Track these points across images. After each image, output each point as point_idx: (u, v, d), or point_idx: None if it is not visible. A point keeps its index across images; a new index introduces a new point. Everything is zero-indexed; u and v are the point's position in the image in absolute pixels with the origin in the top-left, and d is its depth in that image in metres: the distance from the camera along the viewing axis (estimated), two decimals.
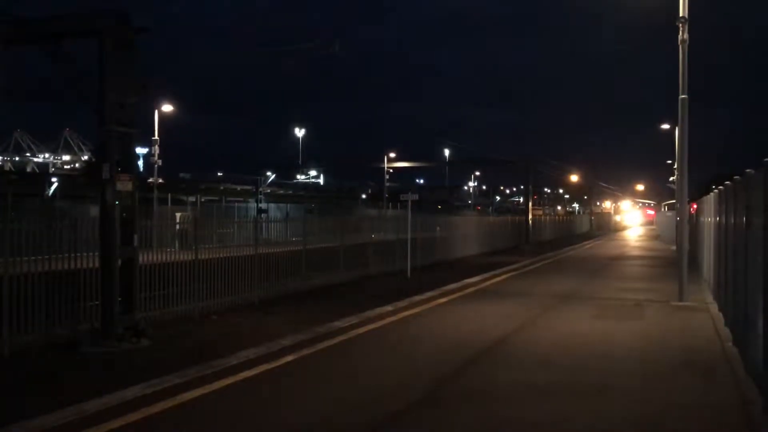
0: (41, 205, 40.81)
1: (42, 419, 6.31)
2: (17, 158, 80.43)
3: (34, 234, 9.74)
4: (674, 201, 32.78)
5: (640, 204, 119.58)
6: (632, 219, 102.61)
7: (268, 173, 66.13)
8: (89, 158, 66.04)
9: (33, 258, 9.69)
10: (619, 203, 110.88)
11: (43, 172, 70.72)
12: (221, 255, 13.80)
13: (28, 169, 75.68)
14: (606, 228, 78.06)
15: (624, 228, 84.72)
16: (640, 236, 58.98)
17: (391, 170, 71.78)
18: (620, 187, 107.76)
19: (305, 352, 9.49)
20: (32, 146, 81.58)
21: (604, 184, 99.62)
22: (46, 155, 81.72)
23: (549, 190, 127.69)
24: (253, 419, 6.64)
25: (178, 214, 21.43)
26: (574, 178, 75.91)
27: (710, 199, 15.86)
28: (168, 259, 12.20)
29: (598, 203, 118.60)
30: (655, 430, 6.38)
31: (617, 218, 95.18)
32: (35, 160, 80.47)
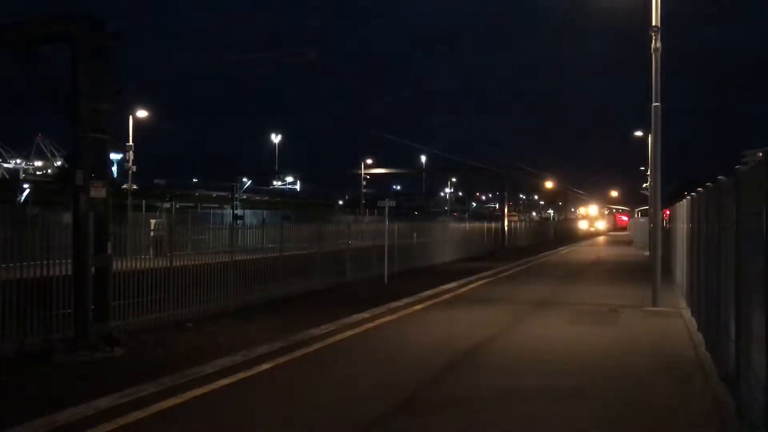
0: (12, 211, 40.11)
1: (12, 430, 6.20)
2: None
3: (4, 241, 9.58)
4: (647, 207, 33.20)
5: (614, 210, 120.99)
6: (606, 225, 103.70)
7: (244, 179, 65.69)
8: (62, 164, 65.36)
9: (3, 265, 9.53)
10: (592, 209, 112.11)
11: (14, 179, 69.46)
12: (196, 262, 13.69)
13: None
14: (580, 234, 78.76)
15: (598, 234, 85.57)
16: (614, 242, 59.61)
17: (368, 177, 71.82)
18: (594, 194, 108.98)
19: (282, 359, 9.43)
20: (2, 152, 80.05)
21: (578, 191, 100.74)
22: (18, 161, 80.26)
23: (524, 197, 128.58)
24: (228, 428, 6.58)
25: (152, 221, 21.23)
26: (548, 184, 76.67)
27: (683, 205, 16.07)
28: (142, 266, 12.08)
29: (573, 209, 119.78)
30: None
31: (591, 224, 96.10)
32: (6, 165, 79.00)
